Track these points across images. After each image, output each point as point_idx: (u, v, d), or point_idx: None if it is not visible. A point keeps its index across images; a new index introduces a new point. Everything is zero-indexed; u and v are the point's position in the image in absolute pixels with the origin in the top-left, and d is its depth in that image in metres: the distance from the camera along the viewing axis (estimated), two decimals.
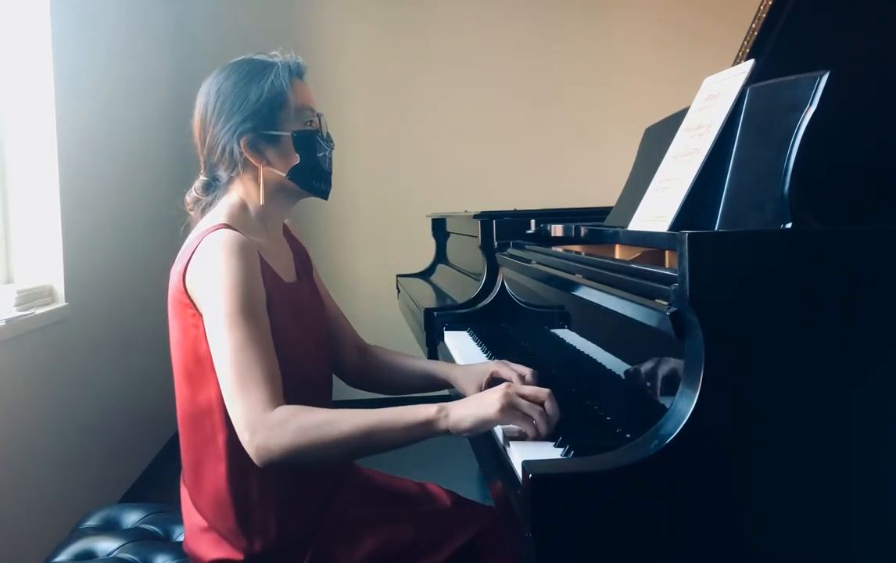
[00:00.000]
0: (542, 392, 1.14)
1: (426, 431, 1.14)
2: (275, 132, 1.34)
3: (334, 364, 1.54)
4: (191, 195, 1.40)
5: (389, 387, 1.56)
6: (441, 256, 3.27)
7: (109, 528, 1.58)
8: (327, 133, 1.41)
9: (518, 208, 2.45)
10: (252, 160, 1.34)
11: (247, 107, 1.33)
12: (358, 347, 1.57)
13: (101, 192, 2.88)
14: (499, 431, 1.16)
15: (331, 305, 1.57)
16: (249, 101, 1.33)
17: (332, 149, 1.42)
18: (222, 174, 1.36)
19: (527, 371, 1.32)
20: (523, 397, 1.13)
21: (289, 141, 1.35)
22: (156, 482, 3.23)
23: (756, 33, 1.49)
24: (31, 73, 2.43)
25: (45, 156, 2.45)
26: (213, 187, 1.38)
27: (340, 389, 1.59)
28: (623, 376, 1.22)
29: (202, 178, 1.39)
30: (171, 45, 3.94)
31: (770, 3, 1.47)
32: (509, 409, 1.11)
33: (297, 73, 1.39)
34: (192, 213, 1.41)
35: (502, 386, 1.14)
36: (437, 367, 1.52)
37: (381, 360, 1.56)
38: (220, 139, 1.33)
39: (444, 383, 1.48)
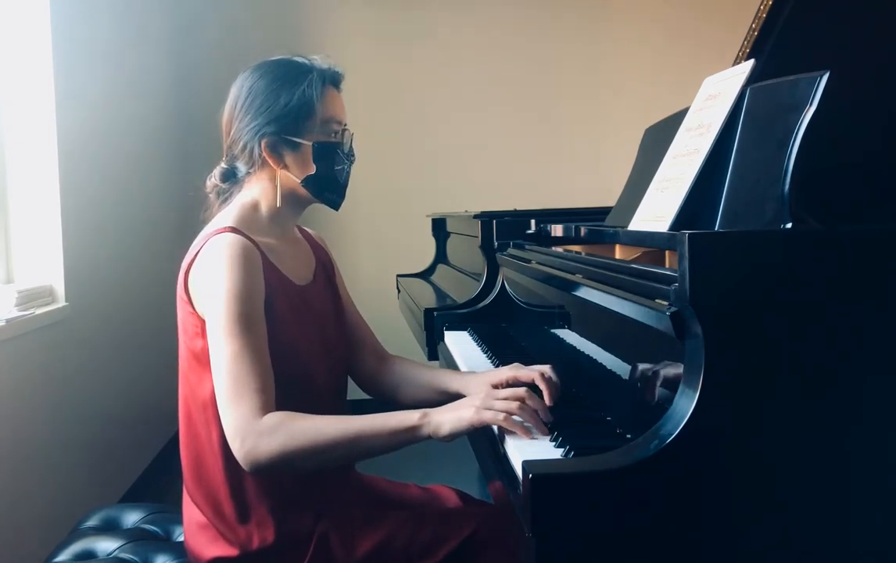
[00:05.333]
0: (520, 391, 1.16)
1: (410, 436, 1.17)
2: (296, 139, 1.36)
3: (352, 370, 1.55)
4: (211, 181, 1.44)
5: (402, 398, 1.51)
6: (441, 256, 3.27)
7: (109, 528, 1.58)
8: (350, 147, 1.42)
9: (518, 208, 2.45)
10: (270, 162, 1.37)
11: (274, 110, 1.35)
12: (377, 355, 1.57)
13: (101, 192, 2.88)
14: (497, 430, 1.17)
15: (353, 312, 1.57)
16: (278, 105, 1.35)
17: (353, 163, 1.43)
18: (241, 167, 1.39)
19: (545, 368, 1.29)
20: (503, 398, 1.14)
21: (308, 150, 1.36)
22: (156, 482, 3.23)
23: (756, 33, 1.49)
24: (31, 74, 2.43)
25: (45, 156, 2.45)
26: (231, 176, 1.41)
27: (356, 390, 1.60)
28: (623, 376, 1.22)
29: (223, 165, 1.42)
30: (172, 45, 3.94)
31: (770, 3, 1.47)
32: (484, 409, 1.13)
33: (331, 82, 1.40)
34: (211, 196, 1.44)
35: (483, 390, 1.16)
36: (451, 380, 1.45)
37: (397, 370, 1.54)
38: (243, 135, 1.37)
39: (458, 396, 1.34)
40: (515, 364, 1.35)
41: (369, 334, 1.58)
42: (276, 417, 1.18)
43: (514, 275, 1.93)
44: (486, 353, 1.77)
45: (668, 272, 0.99)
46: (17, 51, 2.41)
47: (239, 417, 1.18)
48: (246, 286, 1.24)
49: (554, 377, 1.28)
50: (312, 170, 1.37)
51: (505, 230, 2.07)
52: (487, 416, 1.13)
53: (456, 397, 1.38)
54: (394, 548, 1.31)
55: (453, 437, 1.15)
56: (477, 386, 1.36)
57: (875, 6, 1.51)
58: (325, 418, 1.19)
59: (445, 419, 1.16)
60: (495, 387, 1.32)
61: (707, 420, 0.90)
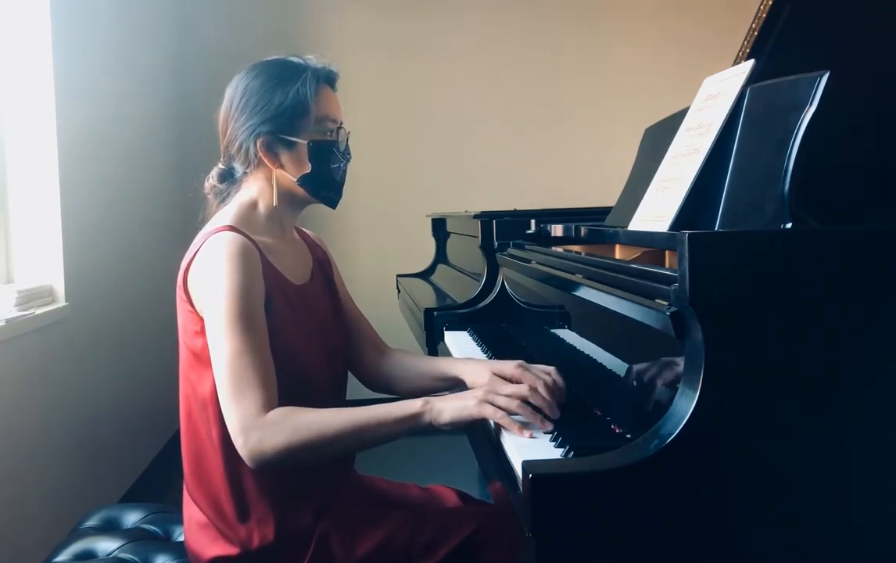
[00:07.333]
0: (524, 388, 1.17)
1: (413, 423, 1.19)
2: (291, 138, 1.36)
3: (351, 365, 1.55)
4: (208, 182, 1.44)
5: (403, 389, 1.52)
6: (441, 256, 3.27)
7: (109, 528, 1.58)
8: (346, 146, 1.42)
9: (518, 208, 2.45)
10: (266, 161, 1.37)
11: (269, 109, 1.35)
12: (377, 349, 1.57)
13: (101, 191, 2.88)
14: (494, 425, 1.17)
15: (351, 308, 1.58)
16: (272, 104, 1.35)
17: (349, 161, 1.43)
18: (238, 168, 1.40)
19: (551, 369, 1.26)
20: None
21: (304, 149, 1.37)
22: (156, 482, 3.24)
23: (756, 33, 1.49)
24: (31, 73, 2.43)
25: (45, 156, 2.45)
26: (228, 177, 1.41)
27: (359, 389, 1.60)
28: (623, 376, 1.22)
29: (220, 166, 1.42)
30: (172, 44, 3.94)
31: (770, 3, 1.47)
32: (486, 403, 1.14)
33: (326, 81, 1.40)
34: (209, 197, 1.44)
35: (486, 382, 1.17)
36: (450, 365, 1.45)
37: (396, 362, 1.54)
38: (238, 135, 1.37)
39: (457, 382, 1.41)
40: (521, 362, 1.29)
41: (368, 328, 1.59)
42: (279, 412, 1.19)
43: (514, 275, 1.93)
44: (486, 353, 1.77)
45: (668, 272, 0.99)
46: (17, 51, 2.41)
47: (242, 413, 1.18)
48: (245, 284, 1.24)
49: (559, 380, 1.25)
50: (308, 168, 1.37)
51: (505, 230, 2.07)
52: (488, 411, 1.15)
53: (455, 380, 1.42)
54: (394, 548, 1.31)
55: (453, 425, 1.17)
56: (479, 374, 1.33)
57: (875, 6, 1.51)
58: (329, 410, 1.20)
59: (447, 407, 1.17)
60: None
61: (707, 420, 0.90)
